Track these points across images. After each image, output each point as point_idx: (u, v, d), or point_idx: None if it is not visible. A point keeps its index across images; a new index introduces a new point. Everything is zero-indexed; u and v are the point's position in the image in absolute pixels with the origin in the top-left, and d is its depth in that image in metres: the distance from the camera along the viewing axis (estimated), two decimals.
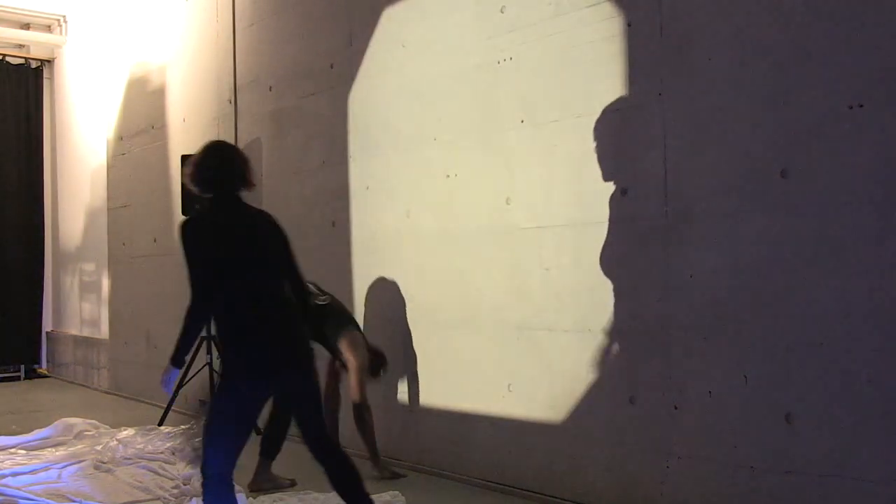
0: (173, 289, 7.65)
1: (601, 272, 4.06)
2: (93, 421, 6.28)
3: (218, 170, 3.27)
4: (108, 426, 6.26)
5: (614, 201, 4.01)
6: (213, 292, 3.15)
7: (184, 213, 6.67)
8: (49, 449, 5.69)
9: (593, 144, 4.11)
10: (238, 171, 3.30)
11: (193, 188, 3.33)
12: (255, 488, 4.65)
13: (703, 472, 3.66)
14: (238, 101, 6.84)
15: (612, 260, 4.02)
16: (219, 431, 3.18)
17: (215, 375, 6.57)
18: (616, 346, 4.01)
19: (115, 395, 8.72)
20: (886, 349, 3.10)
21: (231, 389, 3.21)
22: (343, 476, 3.29)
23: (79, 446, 5.61)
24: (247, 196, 3.39)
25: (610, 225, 4.03)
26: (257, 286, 3.20)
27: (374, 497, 4.35)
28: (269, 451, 4.78)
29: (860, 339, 3.17)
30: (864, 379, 3.16)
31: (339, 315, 4.96)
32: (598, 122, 4.08)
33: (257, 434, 4.90)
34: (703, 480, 3.66)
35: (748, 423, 3.50)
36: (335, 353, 4.94)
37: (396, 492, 4.37)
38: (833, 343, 3.24)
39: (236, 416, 3.19)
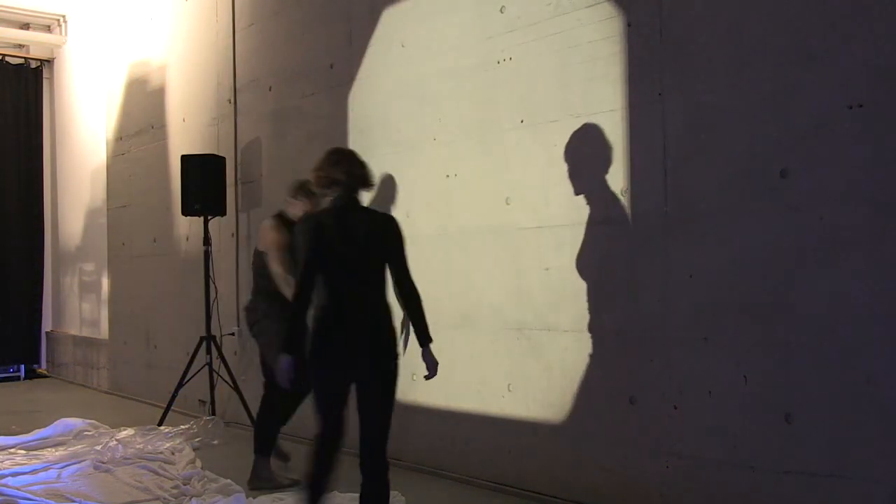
0: (173, 289, 7.66)
1: (601, 272, 4.06)
2: (93, 421, 6.27)
3: (340, 172, 3.50)
4: (107, 426, 6.26)
5: (614, 201, 4.01)
6: (315, 283, 3.39)
7: (183, 213, 6.68)
8: (49, 449, 5.68)
9: (593, 144, 4.11)
10: (358, 174, 3.53)
11: (317, 190, 3.61)
12: (255, 486, 4.65)
13: (703, 472, 3.66)
14: (238, 101, 6.84)
15: (609, 260, 4.02)
16: (318, 406, 3.43)
17: (215, 376, 6.59)
18: (616, 346, 4.01)
19: (114, 395, 8.71)
20: (886, 349, 3.10)
21: (313, 376, 3.41)
22: (373, 496, 3.41)
23: (78, 446, 5.60)
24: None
25: (609, 225, 4.03)
26: (356, 283, 3.41)
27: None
28: (264, 447, 4.80)
29: (860, 339, 3.17)
30: (863, 379, 3.16)
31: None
32: (598, 122, 4.08)
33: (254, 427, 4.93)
34: (703, 480, 3.66)
35: (748, 424, 3.50)
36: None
37: (396, 492, 4.36)
38: (833, 343, 3.24)
39: (326, 396, 3.42)
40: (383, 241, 3.49)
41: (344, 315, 3.37)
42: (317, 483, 3.37)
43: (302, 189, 4.82)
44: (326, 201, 3.57)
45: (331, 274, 3.39)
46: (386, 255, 3.49)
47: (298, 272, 3.42)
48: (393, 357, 3.45)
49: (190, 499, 4.45)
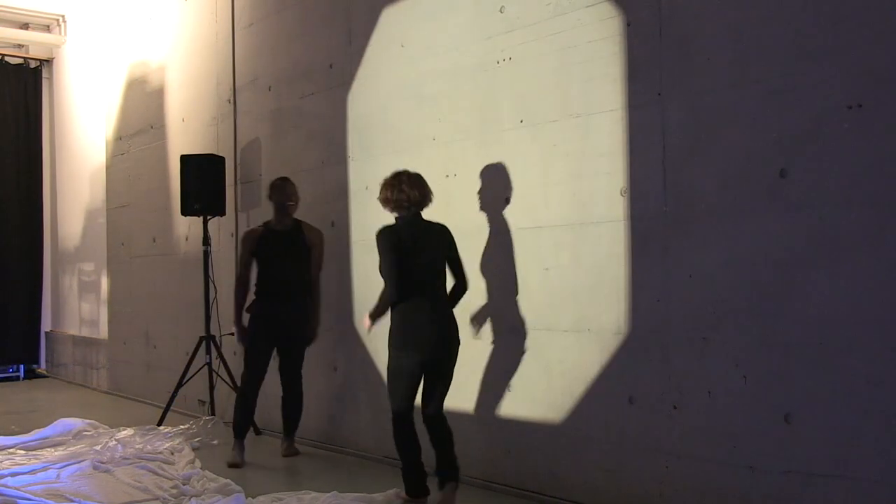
0: (172, 289, 7.66)
1: (601, 272, 4.06)
2: (92, 421, 6.27)
3: (418, 195, 4.20)
4: (107, 426, 6.26)
5: (613, 201, 4.01)
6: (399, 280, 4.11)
7: (183, 213, 6.68)
8: (48, 449, 5.68)
9: (592, 144, 4.11)
10: (429, 194, 4.25)
11: (387, 208, 4.26)
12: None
13: (703, 472, 3.66)
14: (237, 101, 6.84)
15: (609, 260, 4.02)
16: (392, 385, 4.20)
17: (215, 376, 6.59)
18: (616, 346, 4.01)
19: (114, 395, 8.71)
20: (886, 349, 3.10)
21: (394, 356, 4.16)
22: (439, 437, 4.24)
23: (78, 446, 5.60)
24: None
25: (609, 225, 4.03)
26: (428, 282, 4.16)
27: (372, 496, 4.38)
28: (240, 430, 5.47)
29: (860, 339, 3.17)
30: (863, 379, 3.16)
31: None
32: (598, 122, 4.08)
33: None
34: (703, 480, 3.66)
35: (748, 423, 3.50)
36: None
37: (397, 489, 4.37)
38: (833, 343, 3.24)
39: (402, 375, 4.15)
40: (445, 245, 4.24)
41: (419, 308, 4.10)
42: (406, 456, 4.25)
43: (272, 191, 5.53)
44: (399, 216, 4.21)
45: (409, 275, 4.08)
46: (447, 257, 4.24)
47: (390, 272, 4.08)
48: (457, 342, 4.20)
49: (189, 499, 4.45)
